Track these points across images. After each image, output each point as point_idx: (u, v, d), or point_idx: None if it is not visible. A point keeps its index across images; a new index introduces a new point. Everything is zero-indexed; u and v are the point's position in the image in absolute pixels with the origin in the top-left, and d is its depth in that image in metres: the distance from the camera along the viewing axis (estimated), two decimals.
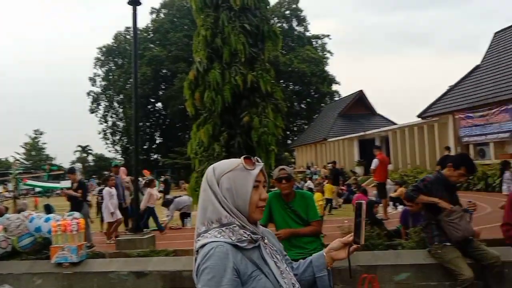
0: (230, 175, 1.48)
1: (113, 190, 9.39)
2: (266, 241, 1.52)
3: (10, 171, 9.74)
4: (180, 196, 12.33)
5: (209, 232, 1.44)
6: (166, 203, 12.30)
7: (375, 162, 10.86)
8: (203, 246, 1.42)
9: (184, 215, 11.73)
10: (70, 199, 8.63)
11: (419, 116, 23.60)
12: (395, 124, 30.41)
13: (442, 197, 4.07)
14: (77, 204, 7.94)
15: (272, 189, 4.46)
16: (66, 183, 9.37)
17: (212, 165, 1.56)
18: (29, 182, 9.87)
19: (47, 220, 4.94)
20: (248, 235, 1.43)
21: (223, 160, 1.57)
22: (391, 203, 12.31)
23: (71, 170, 9.38)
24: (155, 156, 52.27)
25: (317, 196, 9.61)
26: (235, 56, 5.86)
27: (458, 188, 4.45)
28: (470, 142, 20.08)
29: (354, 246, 1.56)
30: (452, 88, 22.92)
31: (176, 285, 4.35)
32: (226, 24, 5.82)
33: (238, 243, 1.41)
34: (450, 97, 22.30)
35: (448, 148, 15.56)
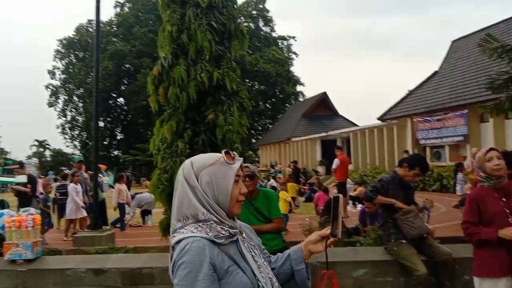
0: (210, 169, 1.46)
1: (79, 187, 9.13)
2: (244, 235, 1.51)
3: None
4: (141, 193, 12.14)
5: (185, 228, 1.42)
6: None
7: (336, 162, 11.11)
8: (179, 241, 1.40)
9: (145, 213, 11.57)
10: (19, 194, 8.32)
11: (379, 118, 24.31)
12: (356, 125, 31.16)
13: (398, 197, 4.23)
14: (26, 199, 7.66)
15: None
16: (22, 178, 8.99)
17: (189, 159, 1.53)
18: None
19: (0, 215, 4.74)
20: (226, 230, 1.42)
21: (200, 155, 1.55)
22: (350, 202, 12.63)
23: (20, 164, 9.06)
24: (116, 153, 51.11)
25: (283, 194, 9.76)
26: (201, 53, 5.81)
27: (415, 188, 4.63)
28: (427, 145, 20.87)
29: (332, 239, 1.59)
30: (411, 93, 23.74)
31: (136, 282, 4.29)
32: (192, 21, 5.76)
33: (215, 239, 1.40)
34: (409, 101, 23.09)
35: (406, 152, 16.13)
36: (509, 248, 2.93)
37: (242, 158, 1.53)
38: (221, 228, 1.42)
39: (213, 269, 1.36)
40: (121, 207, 10.65)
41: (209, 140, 5.67)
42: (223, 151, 1.51)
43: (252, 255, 1.47)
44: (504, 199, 3.02)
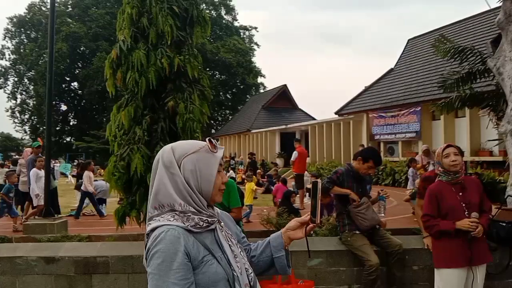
0: (194, 157, 1.42)
1: (41, 172, 8.68)
2: (222, 224, 1.49)
3: None
4: (96, 180, 11.79)
5: (162, 216, 1.38)
6: (80, 186, 11.71)
7: (294, 155, 11.26)
8: (153, 229, 1.36)
9: (99, 201, 11.24)
10: None
11: (336, 113, 24.81)
12: (314, 119, 31.66)
13: (352, 188, 4.36)
14: None
15: None
16: None
17: (168, 145, 1.48)
18: None
19: None
20: (204, 221, 1.39)
21: (180, 141, 1.51)
22: (307, 194, 12.86)
23: None
24: (68, 139, 49.30)
25: (250, 185, 9.78)
26: (162, 38, 5.68)
27: (371, 181, 4.78)
28: (381, 140, 21.56)
29: (311, 225, 1.57)
30: (367, 89, 24.38)
31: (90, 271, 4.18)
32: (154, 4, 5.60)
33: (192, 228, 1.37)
34: (366, 97, 23.71)
35: (362, 146, 16.56)
36: (466, 240, 3.09)
37: (223, 147, 1.51)
38: (199, 219, 1.39)
39: (187, 259, 1.33)
40: (86, 195, 10.32)
41: (169, 128, 5.58)
42: (206, 139, 1.47)
43: (229, 245, 1.45)
44: (460, 194, 3.18)
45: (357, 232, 4.31)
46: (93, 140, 38.45)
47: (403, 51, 25.14)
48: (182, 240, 1.33)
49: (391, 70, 24.28)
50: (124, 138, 5.56)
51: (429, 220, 3.22)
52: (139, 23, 5.68)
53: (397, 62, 24.64)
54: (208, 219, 1.41)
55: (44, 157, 8.60)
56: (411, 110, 19.46)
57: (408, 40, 25.50)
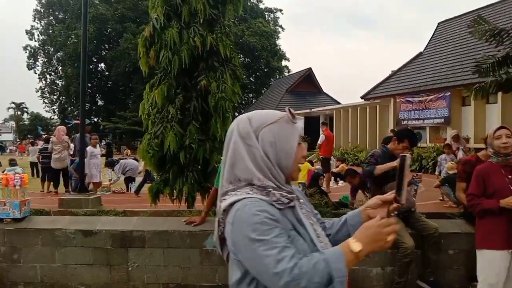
0: (273, 128, 1.30)
1: (96, 150, 8.91)
2: (301, 201, 1.39)
3: None
4: (125, 158, 12.01)
5: (238, 190, 1.27)
6: (110, 163, 11.95)
7: (321, 138, 11.18)
8: (232, 204, 1.24)
9: (129, 180, 11.45)
10: None
11: (362, 97, 24.42)
12: (339, 103, 31.28)
13: (388, 170, 4.28)
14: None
15: None
16: (6, 136, 8.78)
17: (244, 115, 1.37)
18: None
19: None
20: (285, 196, 1.28)
21: (256, 111, 1.39)
22: (332, 178, 12.79)
23: None
24: (95, 119, 50.23)
25: (306, 165, 9.54)
26: (194, 16, 5.66)
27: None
28: (409, 125, 21.11)
29: (395, 205, 1.39)
30: (395, 73, 23.87)
31: (126, 244, 4.29)
32: None
33: (274, 204, 1.25)
34: (393, 81, 23.23)
35: (393, 131, 16.31)
36: (510, 221, 3.02)
37: (302, 118, 1.43)
38: (280, 194, 1.27)
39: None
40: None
41: (201, 107, 5.60)
42: (286, 108, 1.36)
43: (311, 223, 1.34)
44: (510, 176, 3.10)
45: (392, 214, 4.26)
46: (120, 121, 39.09)
47: (433, 34, 24.43)
48: (271, 210, 1.22)
49: (420, 54, 23.66)
50: (158, 116, 5.61)
51: (473, 199, 3.16)
52: (172, 1, 5.67)
53: (426, 46, 23.98)
54: (288, 195, 1.30)
55: (96, 135, 8.80)
56: (440, 95, 18.99)
57: (439, 24, 24.74)
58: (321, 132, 11.80)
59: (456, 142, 10.96)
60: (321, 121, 18.32)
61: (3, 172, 4.74)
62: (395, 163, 4.18)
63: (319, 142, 11.43)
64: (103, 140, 33.95)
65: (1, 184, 4.31)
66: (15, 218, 4.32)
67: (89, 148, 8.96)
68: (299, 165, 1.41)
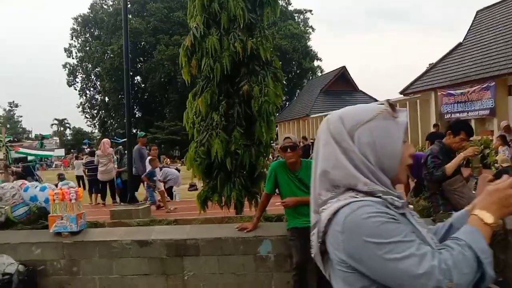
0: (371, 126, 1.15)
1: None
2: (411, 207, 1.30)
3: (0, 139, 9.40)
4: (168, 167, 12.17)
5: (338, 197, 1.13)
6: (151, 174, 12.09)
7: None
8: (337, 211, 1.09)
9: (171, 189, 11.57)
10: None
11: (401, 92, 23.80)
12: (377, 101, 30.67)
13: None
14: None
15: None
16: (59, 152, 9.10)
17: (335, 114, 1.22)
18: (22, 150, 9.53)
19: (42, 189, 4.77)
20: (396, 201, 1.12)
21: (350, 108, 1.24)
22: None
23: None
24: (134, 131, 51.53)
25: None
26: (233, 22, 5.67)
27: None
28: (452, 119, 20.43)
29: None
30: (434, 65, 23.12)
31: (181, 253, 4.30)
32: None
33: (389, 206, 1.09)
34: (433, 74, 22.51)
35: (436, 125, 15.78)
36: None
37: (406, 109, 1.28)
38: (391, 199, 1.11)
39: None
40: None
41: (244, 112, 5.58)
42: (385, 101, 1.20)
43: (426, 230, 1.19)
44: None
45: (453, 212, 4.06)
46: (158, 131, 39.92)
47: (472, 23, 23.50)
48: (389, 211, 1.08)
49: (460, 44, 22.81)
50: (202, 124, 5.64)
51: None
52: (211, 8, 5.70)
53: (466, 36, 23.10)
54: (399, 199, 1.14)
55: (156, 145, 8.99)
56: (484, 86, 18.21)
57: (477, 12, 23.78)
58: None
59: (507, 133, 10.47)
60: None
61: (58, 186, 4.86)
62: (462, 155, 3.99)
63: None
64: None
65: (58, 198, 4.43)
66: (72, 231, 4.42)
67: (150, 158, 9.14)
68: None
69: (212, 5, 5.70)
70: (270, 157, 14.51)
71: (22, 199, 4.81)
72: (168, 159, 34.87)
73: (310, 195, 1.24)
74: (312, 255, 1.21)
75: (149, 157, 9.42)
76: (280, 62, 6.15)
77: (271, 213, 4.73)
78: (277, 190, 4.26)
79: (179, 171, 11.88)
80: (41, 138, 11.41)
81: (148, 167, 9.13)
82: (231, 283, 4.28)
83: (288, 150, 4.05)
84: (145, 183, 9.37)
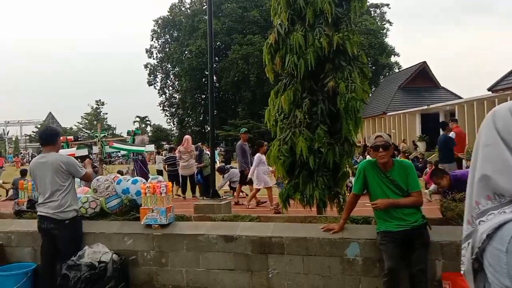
0: None
1: (263, 157, 9.12)
2: None
3: (96, 134, 10.13)
4: (235, 168, 12.25)
5: (503, 209, 0.98)
6: (221, 170, 12.26)
7: (452, 135, 10.23)
8: (500, 226, 0.95)
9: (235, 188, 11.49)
10: None
11: (489, 89, 22.09)
12: (460, 98, 28.73)
13: None
14: None
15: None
16: (150, 147, 9.60)
17: (502, 107, 1.06)
18: (115, 145, 10.24)
19: (134, 182, 4.99)
20: None
21: None
22: None
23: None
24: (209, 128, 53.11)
25: None
26: (319, 17, 5.53)
27: None
28: None
29: None
30: None
31: (266, 251, 4.27)
32: None
33: None
34: None
35: None
36: None
37: None
38: None
39: None
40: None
41: (328, 109, 5.43)
42: None
43: None
44: None
45: None
46: (232, 129, 40.77)
47: None
48: None
49: None
50: (285, 122, 5.57)
51: None
52: (295, 4, 5.60)
53: None
54: None
55: (265, 142, 8.95)
56: None
57: None
58: (440, 130, 10.78)
59: None
60: (451, 117, 16.89)
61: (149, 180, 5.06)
62: None
63: None
64: (216, 148, 35.65)
65: (149, 192, 4.60)
66: (162, 224, 4.57)
67: (257, 156, 9.03)
68: None
69: (297, 1, 5.61)
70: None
71: (115, 191, 5.07)
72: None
73: (465, 201, 1.09)
74: (462, 271, 1.06)
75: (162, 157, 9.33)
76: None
77: (356, 214, 4.54)
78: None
79: None
80: (133, 134, 12.04)
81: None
82: (316, 285, 4.18)
83: (380, 149, 3.86)
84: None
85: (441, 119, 26.96)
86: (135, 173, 10.34)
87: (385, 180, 3.92)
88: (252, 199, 9.07)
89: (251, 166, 9.33)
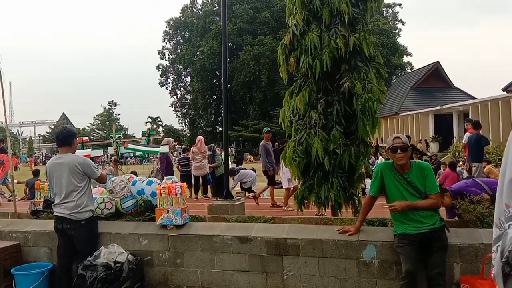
0: None
1: None
2: None
3: (111, 135, 10.19)
4: (245, 168, 12.19)
5: None
6: (231, 172, 12.19)
7: (466, 136, 10.09)
8: None
9: (249, 190, 11.43)
10: None
11: (504, 89, 21.78)
12: (474, 98, 28.37)
13: None
14: None
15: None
16: (164, 148, 9.61)
17: None
18: (130, 146, 10.29)
19: (149, 183, 5.01)
20: None
21: None
22: None
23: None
24: (220, 129, 53.21)
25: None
26: (335, 17, 5.49)
27: None
28: None
29: None
30: None
31: (281, 252, 4.25)
32: None
33: None
34: None
35: None
36: None
37: None
38: None
39: None
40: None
41: (343, 110, 5.39)
42: None
43: None
44: None
45: None
46: (243, 129, 40.82)
47: None
48: None
49: None
50: (300, 123, 5.54)
51: None
52: (311, 5, 5.57)
53: None
54: None
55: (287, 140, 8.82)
56: None
57: None
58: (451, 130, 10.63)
59: None
60: (467, 118, 16.65)
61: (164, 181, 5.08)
62: None
63: (464, 141, 10.32)
64: (231, 149, 35.72)
65: (165, 192, 4.61)
66: (177, 224, 4.58)
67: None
68: None
69: (313, 2, 5.57)
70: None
71: (130, 192, 5.09)
72: (252, 156, 35.51)
73: (495, 204, 1.06)
74: (492, 274, 1.03)
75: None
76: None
77: (372, 216, 4.50)
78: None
79: (254, 171, 11.88)
80: (148, 135, 12.07)
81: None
82: (332, 287, 4.14)
83: (398, 151, 3.82)
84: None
85: (454, 120, 26.66)
86: (161, 172, 10.33)
87: (402, 182, 3.87)
88: (287, 201, 8.79)
89: (275, 165, 9.25)
